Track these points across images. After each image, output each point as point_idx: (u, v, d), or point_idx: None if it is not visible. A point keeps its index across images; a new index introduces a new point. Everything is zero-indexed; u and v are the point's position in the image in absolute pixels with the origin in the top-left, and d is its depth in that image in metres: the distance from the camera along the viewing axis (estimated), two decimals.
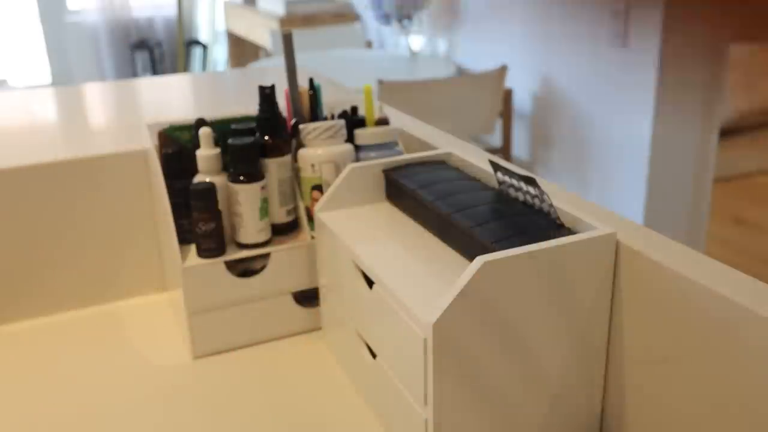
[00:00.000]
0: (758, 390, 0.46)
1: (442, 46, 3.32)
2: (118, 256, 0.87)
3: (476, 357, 0.53)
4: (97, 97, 1.30)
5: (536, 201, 0.61)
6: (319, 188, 0.75)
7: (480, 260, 0.50)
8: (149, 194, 0.86)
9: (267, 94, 0.74)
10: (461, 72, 3.08)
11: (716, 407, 0.49)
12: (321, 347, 0.76)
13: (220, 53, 4.69)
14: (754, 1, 2.17)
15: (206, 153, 0.73)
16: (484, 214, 0.61)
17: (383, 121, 0.81)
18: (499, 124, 2.78)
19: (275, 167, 0.74)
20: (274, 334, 0.77)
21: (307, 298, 0.78)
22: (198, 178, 0.74)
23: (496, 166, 0.65)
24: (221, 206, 0.73)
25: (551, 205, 0.59)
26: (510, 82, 2.71)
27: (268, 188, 0.74)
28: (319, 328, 0.79)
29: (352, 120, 0.81)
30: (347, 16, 3.81)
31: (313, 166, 0.75)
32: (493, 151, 2.69)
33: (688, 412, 0.52)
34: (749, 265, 2.49)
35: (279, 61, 0.77)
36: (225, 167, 0.74)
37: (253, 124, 0.75)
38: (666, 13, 2.10)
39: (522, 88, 2.81)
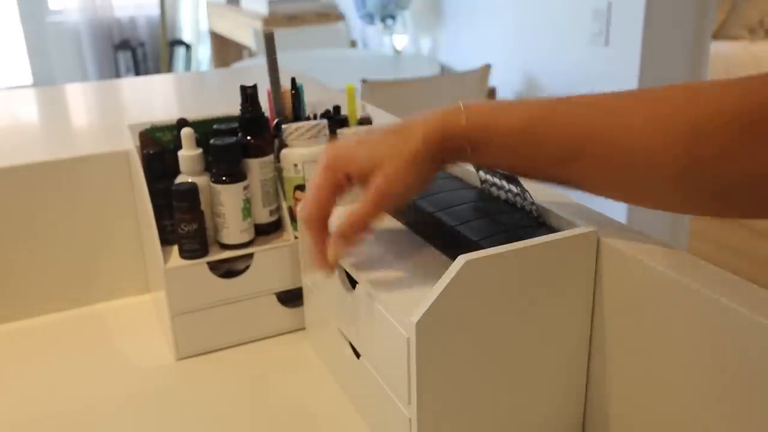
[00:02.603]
0: (740, 387, 0.46)
1: (425, 45, 3.32)
2: (100, 258, 0.86)
3: (459, 356, 0.53)
4: (79, 98, 1.29)
5: (518, 199, 0.61)
6: (302, 188, 0.75)
7: (462, 259, 0.50)
8: (131, 195, 0.85)
9: (249, 94, 0.74)
10: (445, 71, 3.09)
11: (698, 405, 0.50)
12: (305, 347, 0.76)
13: (203, 53, 4.67)
14: None
15: (188, 153, 0.73)
16: (466, 212, 0.61)
17: (366, 121, 0.81)
18: None
19: (258, 167, 0.74)
20: (258, 335, 0.77)
21: (291, 298, 0.78)
22: (180, 179, 0.73)
23: (478, 165, 0.65)
24: (204, 207, 0.72)
25: (533, 204, 0.59)
26: (493, 80, 2.72)
27: (250, 188, 0.74)
28: (303, 328, 0.78)
29: (335, 119, 0.81)
30: (331, 15, 3.81)
31: (296, 165, 0.75)
32: None
33: (670, 410, 0.52)
34: (731, 262, 2.51)
35: (263, 61, 0.77)
36: (207, 167, 0.74)
37: (236, 124, 0.75)
38: (647, 11, 2.12)
39: (505, 86, 2.82)
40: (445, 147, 0.52)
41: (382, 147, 0.53)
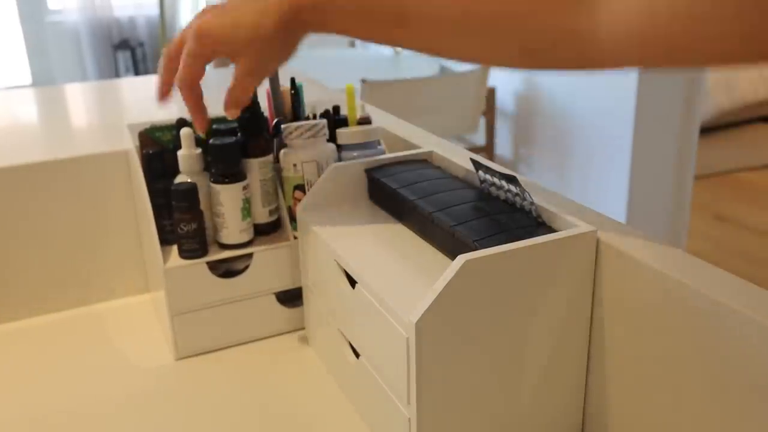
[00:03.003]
0: (739, 387, 0.46)
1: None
2: (99, 258, 0.86)
3: (459, 356, 0.53)
4: (79, 98, 1.29)
5: (518, 199, 0.61)
6: (301, 188, 0.75)
7: (461, 259, 0.50)
8: (131, 195, 0.85)
9: None
10: (444, 71, 3.09)
11: (698, 405, 0.50)
12: (304, 347, 0.76)
13: None
14: None
15: (187, 153, 0.73)
16: (465, 212, 0.61)
17: (365, 121, 0.81)
18: (482, 123, 2.79)
19: (257, 167, 0.74)
20: (257, 335, 0.77)
21: (290, 298, 0.78)
22: (179, 179, 0.73)
23: (477, 165, 0.65)
24: (203, 206, 0.73)
25: (532, 204, 0.59)
26: (493, 81, 2.72)
27: (250, 188, 0.74)
28: (303, 328, 0.79)
29: (335, 119, 0.81)
30: None
31: (295, 165, 0.75)
32: (476, 149, 2.70)
33: (669, 410, 0.52)
34: (729, 261, 2.51)
35: None
36: (207, 167, 0.74)
37: (235, 124, 0.75)
38: None
39: (505, 86, 2.82)
40: (298, 19, 0.58)
41: (242, 26, 0.58)
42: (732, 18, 0.38)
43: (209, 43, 0.60)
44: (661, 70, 0.46)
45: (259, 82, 0.63)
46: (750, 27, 0.38)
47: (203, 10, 0.61)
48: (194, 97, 0.63)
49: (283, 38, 0.59)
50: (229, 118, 0.64)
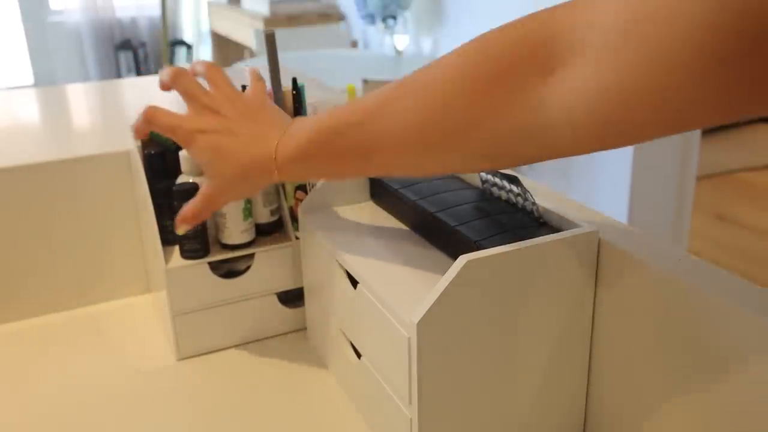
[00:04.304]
0: (740, 387, 0.46)
1: (426, 45, 3.32)
2: (101, 258, 0.86)
3: (460, 356, 0.53)
4: (81, 98, 1.29)
5: (519, 199, 0.61)
6: (303, 188, 0.75)
7: (463, 259, 0.50)
8: (132, 195, 0.85)
9: None
10: None
11: (698, 404, 0.50)
12: (306, 347, 0.76)
13: (204, 53, 4.67)
14: None
15: None
16: (467, 212, 0.61)
17: None
18: None
19: None
20: (259, 335, 0.77)
21: (292, 298, 0.78)
22: (181, 179, 0.73)
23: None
24: None
25: (534, 204, 0.59)
26: None
27: None
28: (304, 328, 0.79)
29: None
30: (332, 15, 3.81)
31: None
32: None
33: (670, 410, 0.52)
34: (731, 261, 2.51)
35: (264, 61, 0.77)
36: None
37: None
38: None
39: None
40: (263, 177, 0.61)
41: (230, 165, 0.61)
42: (687, 87, 0.36)
43: (186, 140, 0.62)
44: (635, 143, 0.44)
45: (221, 207, 0.69)
46: (706, 92, 0.36)
47: (203, 110, 0.63)
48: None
49: (250, 190, 0.66)
50: (179, 233, 0.66)
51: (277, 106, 0.65)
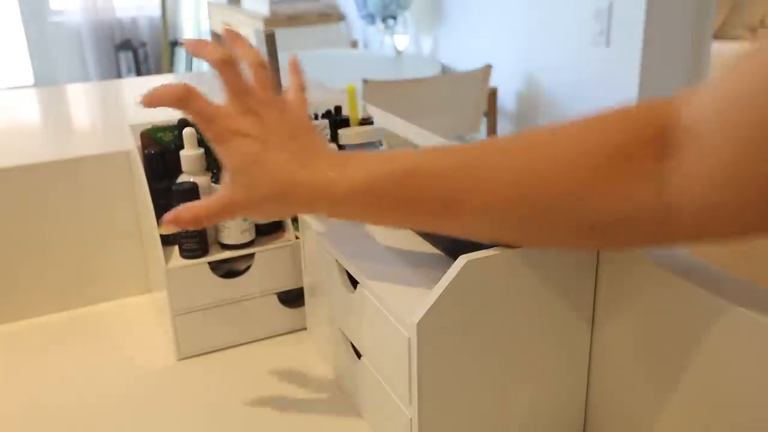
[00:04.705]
0: (740, 387, 0.46)
1: (426, 45, 3.32)
2: (101, 258, 0.86)
3: (461, 356, 0.53)
4: (81, 98, 1.29)
5: None
6: None
7: (463, 259, 0.50)
8: (132, 195, 0.85)
9: None
10: (446, 71, 3.09)
11: (698, 404, 0.50)
12: (306, 347, 0.76)
13: None
14: None
15: (190, 153, 0.73)
16: None
17: (367, 121, 0.81)
18: (484, 123, 2.79)
19: None
20: (259, 335, 0.77)
21: (292, 298, 0.78)
22: (182, 179, 0.73)
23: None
24: None
25: None
26: (495, 81, 2.72)
27: None
28: (304, 329, 0.79)
29: (336, 120, 0.81)
30: (332, 15, 3.81)
31: None
32: None
33: (670, 410, 0.52)
34: (731, 262, 2.51)
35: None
36: (208, 167, 0.74)
37: None
38: (648, 11, 2.12)
39: (507, 86, 2.82)
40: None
41: (260, 170, 0.53)
42: None
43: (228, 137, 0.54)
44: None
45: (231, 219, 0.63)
46: None
47: (246, 112, 0.55)
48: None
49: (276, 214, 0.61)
50: (160, 232, 0.60)
51: (317, 128, 0.59)
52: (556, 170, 0.46)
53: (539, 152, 0.48)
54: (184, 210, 0.56)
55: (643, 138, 0.44)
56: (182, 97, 0.54)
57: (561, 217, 0.47)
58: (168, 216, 0.56)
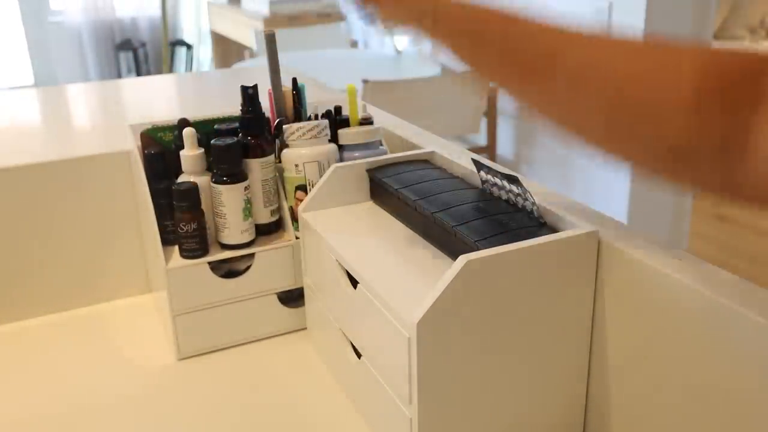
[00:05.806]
0: (740, 387, 0.47)
1: (426, 45, 3.32)
2: (101, 258, 0.86)
3: (460, 355, 0.53)
4: (81, 98, 1.29)
5: (519, 199, 0.61)
6: (303, 188, 0.75)
7: (463, 259, 0.50)
8: (132, 195, 0.85)
9: (249, 94, 0.74)
10: (445, 71, 3.08)
11: (698, 404, 0.50)
12: (306, 347, 0.76)
13: (204, 53, 4.67)
14: None
15: (190, 153, 0.73)
16: (467, 212, 0.61)
17: (367, 121, 0.81)
18: (483, 123, 2.79)
19: (259, 167, 0.74)
20: (259, 335, 0.77)
21: (292, 298, 0.78)
22: (182, 179, 0.73)
23: (479, 165, 0.65)
24: (205, 207, 0.73)
25: (534, 204, 0.59)
26: None
27: (251, 188, 0.74)
28: (304, 328, 0.79)
29: (336, 120, 0.81)
30: (332, 15, 3.81)
31: (296, 166, 0.75)
32: (478, 150, 2.70)
33: (670, 410, 0.52)
34: (731, 262, 2.51)
35: (264, 61, 0.77)
36: (209, 168, 0.74)
37: (237, 125, 0.75)
38: (648, 11, 2.12)
39: None
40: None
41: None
42: None
43: None
44: None
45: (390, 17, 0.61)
46: None
47: None
48: None
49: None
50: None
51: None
52: (659, 79, 0.45)
53: (643, 58, 0.46)
54: None
55: (751, 77, 0.42)
56: None
57: (645, 128, 0.45)
58: None
